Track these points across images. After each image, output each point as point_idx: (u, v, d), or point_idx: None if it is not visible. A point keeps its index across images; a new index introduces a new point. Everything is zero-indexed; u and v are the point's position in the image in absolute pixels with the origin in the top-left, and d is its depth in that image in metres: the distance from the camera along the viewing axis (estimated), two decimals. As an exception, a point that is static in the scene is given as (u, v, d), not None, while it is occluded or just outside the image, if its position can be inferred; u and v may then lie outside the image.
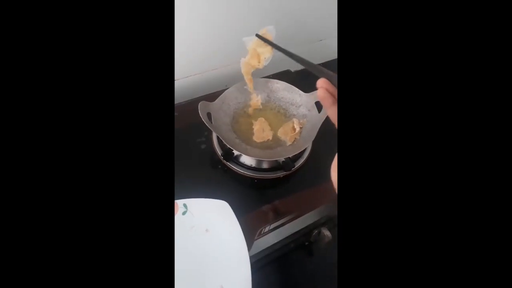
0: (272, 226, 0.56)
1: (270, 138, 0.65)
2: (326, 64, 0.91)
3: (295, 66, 0.89)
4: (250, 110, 0.69)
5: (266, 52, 0.57)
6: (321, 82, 0.36)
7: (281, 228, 0.56)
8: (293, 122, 0.65)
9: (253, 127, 0.66)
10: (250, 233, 0.54)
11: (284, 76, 0.80)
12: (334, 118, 0.33)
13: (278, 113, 0.70)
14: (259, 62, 0.60)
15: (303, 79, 0.84)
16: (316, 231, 0.58)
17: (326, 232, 0.57)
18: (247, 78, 0.62)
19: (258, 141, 0.64)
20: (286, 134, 0.64)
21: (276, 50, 0.54)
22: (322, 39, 0.94)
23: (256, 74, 0.80)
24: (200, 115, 0.57)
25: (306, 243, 0.61)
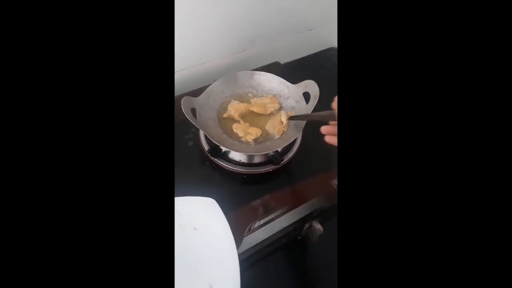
0: (262, 221, 0.55)
1: (260, 133, 0.63)
2: (315, 55, 0.89)
3: (284, 58, 0.87)
4: (236, 115, 0.65)
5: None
6: (325, 129, 0.44)
7: (271, 223, 0.55)
8: (280, 115, 0.64)
9: (235, 131, 0.63)
10: (240, 230, 0.53)
11: (273, 68, 0.79)
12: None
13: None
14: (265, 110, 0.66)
15: (292, 71, 0.82)
16: (307, 225, 0.57)
17: (318, 226, 0.56)
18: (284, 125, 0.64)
19: (250, 140, 0.62)
20: (274, 127, 0.63)
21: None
22: (311, 29, 0.92)
23: (245, 67, 0.79)
24: (183, 111, 0.56)
25: (299, 238, 0.60)
